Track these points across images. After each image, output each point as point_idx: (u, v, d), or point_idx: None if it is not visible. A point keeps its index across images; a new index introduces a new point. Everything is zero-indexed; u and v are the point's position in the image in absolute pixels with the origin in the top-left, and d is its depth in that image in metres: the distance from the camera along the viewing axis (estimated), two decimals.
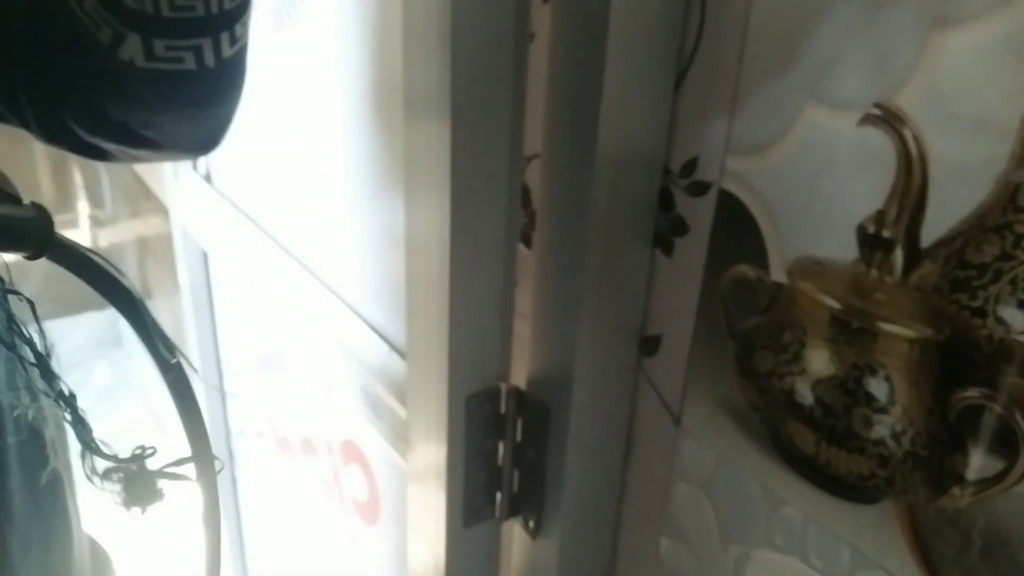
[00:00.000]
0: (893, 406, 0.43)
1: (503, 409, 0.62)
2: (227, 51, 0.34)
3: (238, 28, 0.34)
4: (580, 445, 0.59)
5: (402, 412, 0.68)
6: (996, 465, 0.39)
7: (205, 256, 1.19)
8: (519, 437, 0.62)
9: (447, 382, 0.59)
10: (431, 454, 0.64)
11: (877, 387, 0.44)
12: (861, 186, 0.42)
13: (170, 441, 0.47)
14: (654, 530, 0.61)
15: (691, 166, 0.51)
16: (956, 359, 0.40)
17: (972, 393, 0.40)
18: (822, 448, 0.47)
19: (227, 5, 0.33)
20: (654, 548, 0.62)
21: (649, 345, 0.58)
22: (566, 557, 0.63)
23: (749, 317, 0.50)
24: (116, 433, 0.44)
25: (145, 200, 1.64)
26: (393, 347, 0.71)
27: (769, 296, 0.48)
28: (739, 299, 0.51)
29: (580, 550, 0.63)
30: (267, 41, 0.84)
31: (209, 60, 0.34)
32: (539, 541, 0.64)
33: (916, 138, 0.39)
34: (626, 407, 0.60)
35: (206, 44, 0.33)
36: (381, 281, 0.75)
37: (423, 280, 0.59)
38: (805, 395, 0.47)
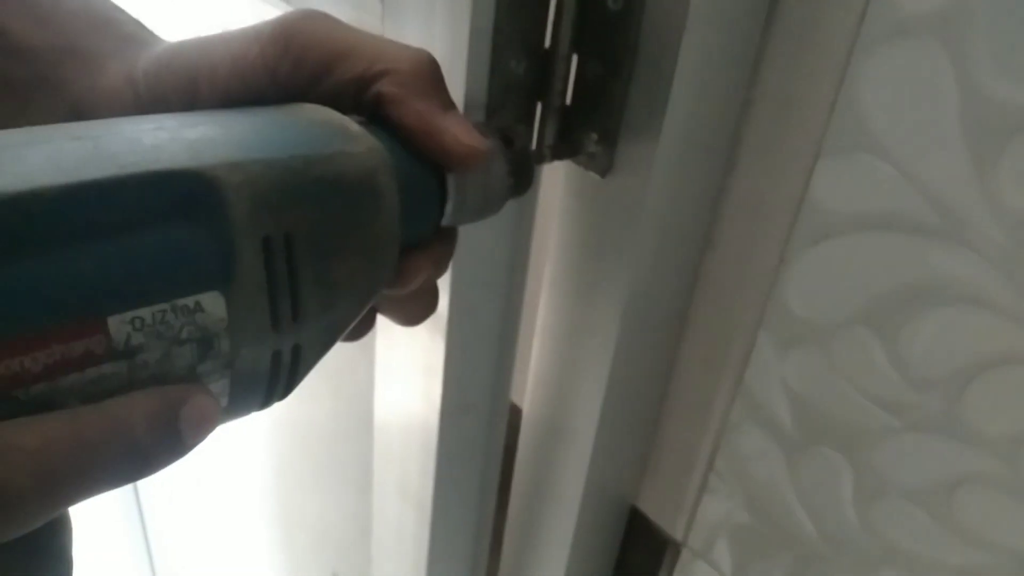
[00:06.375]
0: None
1: None
2: None
3: None
4: None
5: None
6: None
7: None
8: None
9: None
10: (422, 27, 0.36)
11: None
12: None
13: None
14: (822, 110, 0.35)
15: None
16: None
17: None
18: None
19: None
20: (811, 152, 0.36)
21: None
22: (663, 201, 0.36)
23: None
24: None
25: None
26: None
27: None
28: None
29: (686, 190, 0.37)
30: None
31: None
32: (612, 179, 0.37)
33: None
34: None
35: None
36: None
37: None
38: None
